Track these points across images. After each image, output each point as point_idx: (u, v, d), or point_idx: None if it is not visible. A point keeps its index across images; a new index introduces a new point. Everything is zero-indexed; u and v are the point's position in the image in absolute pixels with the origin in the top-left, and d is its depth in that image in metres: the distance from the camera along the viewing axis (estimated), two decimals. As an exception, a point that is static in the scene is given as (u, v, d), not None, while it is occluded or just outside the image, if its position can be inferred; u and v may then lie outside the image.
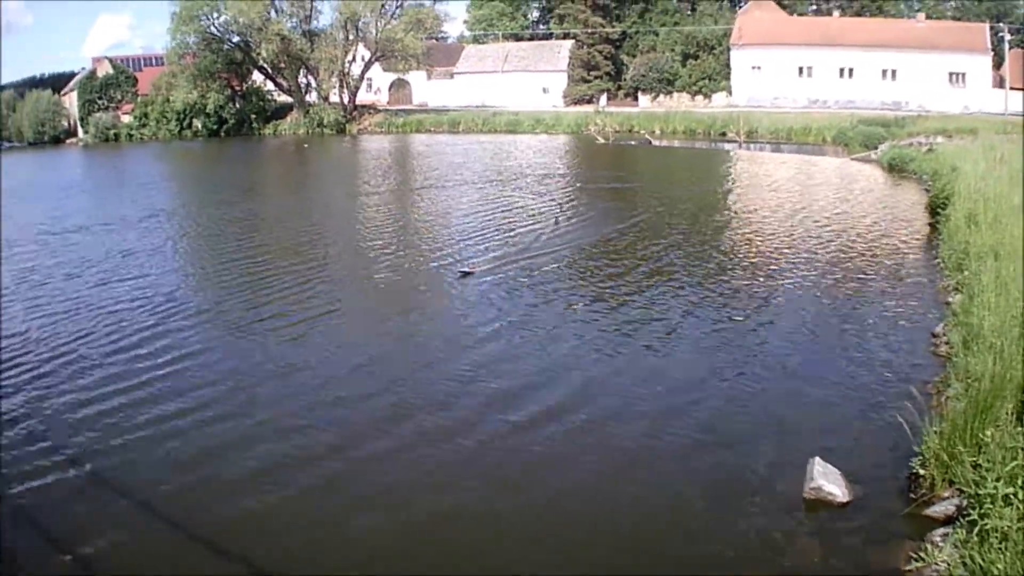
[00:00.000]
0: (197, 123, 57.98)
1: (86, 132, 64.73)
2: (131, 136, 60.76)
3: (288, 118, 58.35)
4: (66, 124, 69.46)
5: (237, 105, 58.86)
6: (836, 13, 54.93)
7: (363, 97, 60.30)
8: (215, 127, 57.57)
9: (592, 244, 15.51)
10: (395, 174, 31.83)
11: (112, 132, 61.70)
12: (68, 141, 67.44)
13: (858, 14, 53.55)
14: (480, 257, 14.72)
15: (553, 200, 21.47)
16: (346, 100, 56.71)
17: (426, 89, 64.78)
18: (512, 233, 16.82)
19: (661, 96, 55.73)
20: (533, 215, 19.02)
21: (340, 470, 6.85)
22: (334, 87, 56.61)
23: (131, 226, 20.33)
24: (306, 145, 47.71)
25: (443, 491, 6.45)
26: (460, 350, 9.69)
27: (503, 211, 19.89)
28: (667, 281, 12.32)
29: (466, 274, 13.04)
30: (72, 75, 79.63)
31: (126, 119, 62.84)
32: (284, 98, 59.97)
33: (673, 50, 56.85)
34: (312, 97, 58.09)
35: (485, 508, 6.24)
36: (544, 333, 10.15)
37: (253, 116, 58.66)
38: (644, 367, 9.06)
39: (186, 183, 34.52)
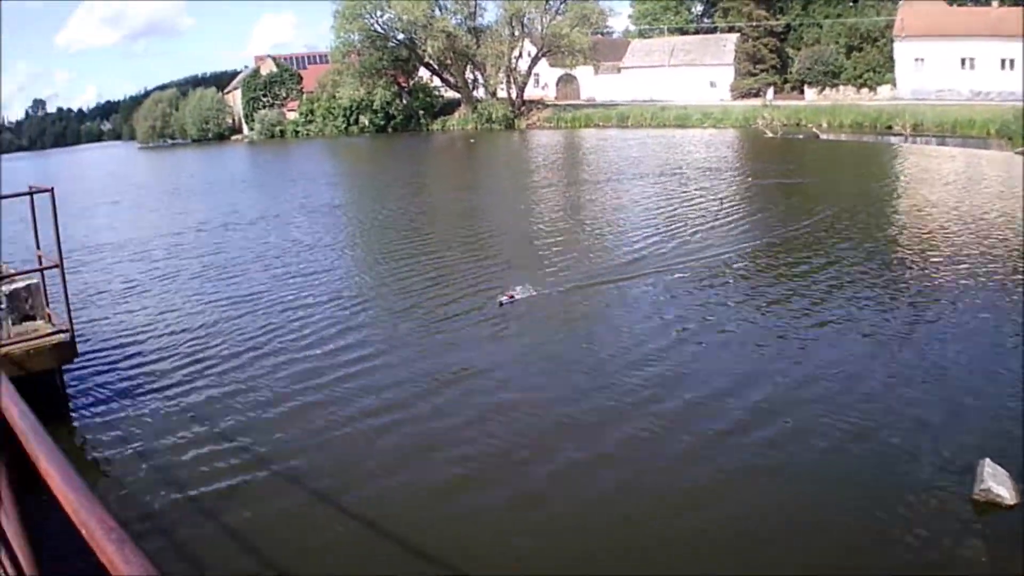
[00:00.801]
0: (364, 119, 62.68)
1: (251, 129, 71.00)
2: (296, 132, 66.30)
3: (456, 114, 62.13)
4: (230, 121, 75.88)
5: (404, 101, 63.25)
6: (995, 3, 56.77)
7: (531, 92, 63.25)
8: (382, 123, 62.22)
9: (773, 242, 15.62)
10: (569, 168, 33.35)
11: (277, 128, 67.85)
12: (233, 138, 74.14)
13: (1016, 3, 55.21)
14: (669, 252, 14.83)
15: (730, 195, 21.89)
16: (514, 95, 59.81)
17: (593, 84, 67.87)
18: (695, 228, 16.99)
19: (827, 89, 57.18)
20: (713, 210, 19.30)
21: (538, 478, 6.79)
22: (501, 83, 60.07)
23: (305, 219, 21.87)
24: (472, 140, 50.99)
25: (658, 504, 6.43)
26: (648, 352, 9.59)
27: (685, 205, 20.32)
28: (847, 289, 12.03)
29: (504, 303, 11.74)
30: (235, 74, 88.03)
31: (291, 116, 68.47)
32: (451, 94, 63.64)
33: (837, 42, 58.17)
34: (480, 93, 61.64)
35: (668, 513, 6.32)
36: (726, 337, 10.06)
37: (421, 112, 62.89)
38: (810, 363, 9.16)
39: (356, 178, 36.86)
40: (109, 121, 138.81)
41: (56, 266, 7.98)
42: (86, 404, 8.93)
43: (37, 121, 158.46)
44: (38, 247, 8.51)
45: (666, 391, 8.50)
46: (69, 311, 8.17)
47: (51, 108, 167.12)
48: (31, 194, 8.02)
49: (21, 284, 8.50)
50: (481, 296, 12.34)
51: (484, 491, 6.71)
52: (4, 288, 8.33)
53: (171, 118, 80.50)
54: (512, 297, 11.91)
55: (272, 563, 5.81)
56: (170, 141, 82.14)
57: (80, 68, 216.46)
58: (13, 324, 8.15)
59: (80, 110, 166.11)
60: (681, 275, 13.24)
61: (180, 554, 5.96)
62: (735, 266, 13.95)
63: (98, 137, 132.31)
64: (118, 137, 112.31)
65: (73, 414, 8.63)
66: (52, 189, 7.84)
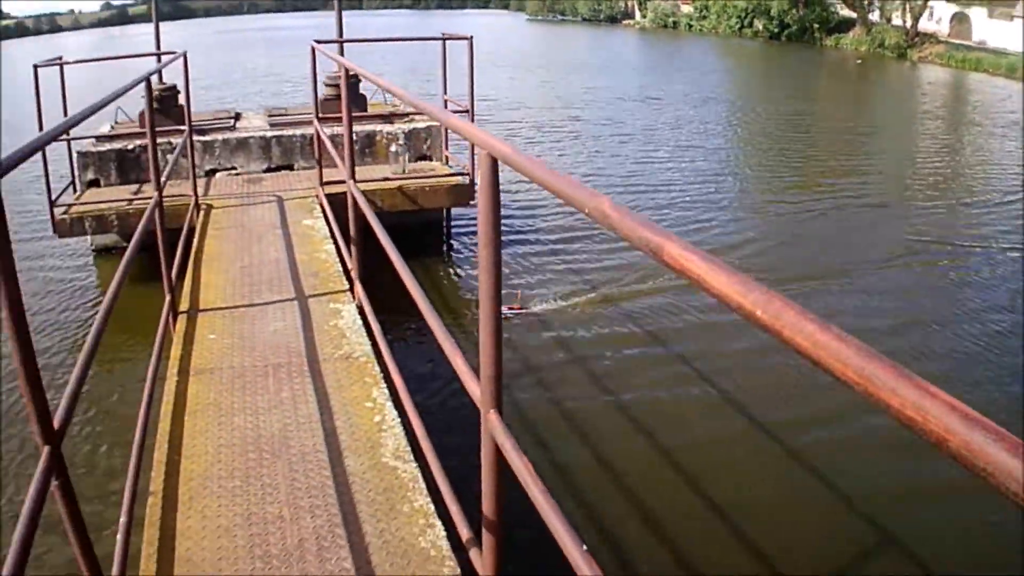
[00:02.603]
0: (758, 23, 60.85)
1: (643, 16, 70.81)
2: (690, 26, 65.36)
3: (851, 33, 58.05)
4: (623, 6, 77.91)
5: (800, 12, 60.15)
6: None
7: (924, 25, 60.87)
8: (776, 31, 59.94)
9: None
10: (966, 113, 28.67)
11: (671, 20, 67.12)
12: (624, 22, 74.19)
13: None
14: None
15: None
16: (908, 25, 54.99)
17: (986, 27, 61.76)
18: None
19: None
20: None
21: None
22: (897, 9, 55.70)
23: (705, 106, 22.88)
24: (859, 61, 49.00)
25: None
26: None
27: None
28: None
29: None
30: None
31: (686, 9, 67.19)
32: (847, 12, 59.81)
33: None
34: (875, 16, 57.42)
35: None
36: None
37: (815, 25, 59.63)
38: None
39: (750, 79, 36.88)
40: None
41: (466, 111, 8.22)
42: (465, 245, 9.79)
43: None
44: (445, 91, 9.00)
45: None
46: (473, 156, 8.34)
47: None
48: (444, 40, 8.61)
49: (421, 124, 9.21)
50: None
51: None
52: (404, 126, 9.16)
53: None
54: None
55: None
56: (559, 17, 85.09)
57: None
58: (409, 161, 8.95)
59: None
60: None
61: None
62: None
63: (485, 4, 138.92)
64: (505, 6, 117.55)
65: (453, 255, 9.50)
66: (471, 38, 8.21)
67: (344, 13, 9.34)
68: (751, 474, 5.47)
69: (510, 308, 7.86)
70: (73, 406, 2.16)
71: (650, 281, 8.59)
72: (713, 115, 21.49)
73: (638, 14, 73.64)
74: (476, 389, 2.06)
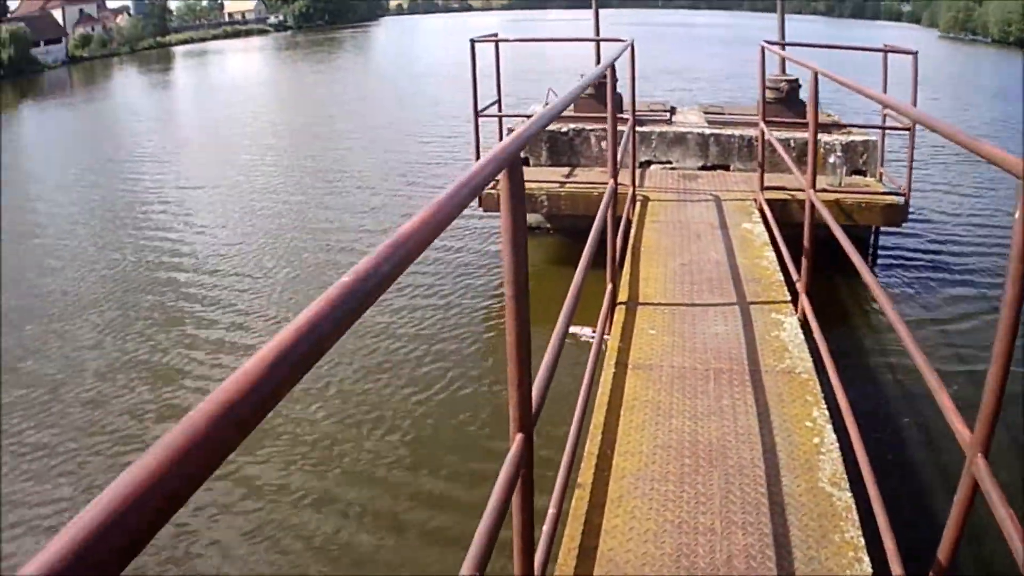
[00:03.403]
0: None
1: None
2: None
3: None
4: None
5: None
6: None
7: None
8: None
9: None
10: None
11: None
12: None
13: None
14: None
15: None
16: None
17: None
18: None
19: None
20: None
21: None
22: None
23: None
24: None
25: None
26: None
27: None
28: None
29: None
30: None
31: None
32: None
33: None
34: None
35: None
36: None
37: None
38: None
39: None
40: (909, 3, 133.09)
41: (908, 129, 7.91)
42: (889, 267, 9.16)
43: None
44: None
45: None
46: (910, 174, 8.10)
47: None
48: (885, 52, 8.43)
49: (859, 138, 8.82)
50: None
51: None
52: (842, 138, 8.79)
53: (975, 12, 73.59)
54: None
55: None
56: (970, 36, 75.58)
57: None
58: (846, 175, 8.54)
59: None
60: None
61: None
62: None
63: (896, 17, 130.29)
64: (916, 21, 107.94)
65: (880, 278, 8.84)
66: (915, 53, 7.88)
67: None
68: None
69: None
70: (545, 395, 2.24)
71: None
72: None
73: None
74: (964, 431, 1.98)
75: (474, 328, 7.54)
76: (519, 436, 1.91)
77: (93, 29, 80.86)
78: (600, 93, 8.88)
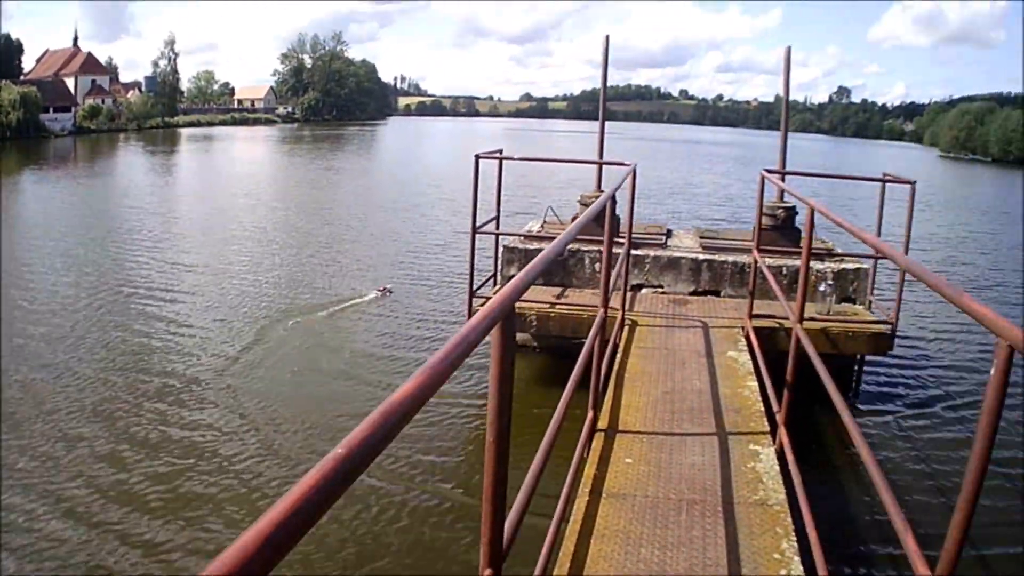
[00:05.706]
0: None
1: None
2: None
3: None
4: None
5: None
6: None
7: None
8: None
9: None
10: None
11: None
12: None
13: None
14: None
15: None
16: None
17: None
18: None
19: None
20: None
21: None
22: None
23: None
24: None
25: None
26: None
27: None
28: None
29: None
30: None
31: None
32: None
33: None
34: None
35: None
36: None
37: None
38: None
39: None
40: (911, 122, 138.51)
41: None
42: (871, 397, 9.35)
43: (840, 108, 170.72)
44: (879, 233, 8.75)
45: None
46: (899, 305, 8.34)
47: (855, 98, 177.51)
48: (884, 182, 8.85)
49: (851, 266, 9.13)
50: None
51: None
52: (834, 266, 9.10)
53: (976, 132, 76.75)
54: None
55: None
56: (970, 155, 78.50)
57: (889, 64, 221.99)
58: (834, 303, 8.76)
59: (884, 105, 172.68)
60: None
61: None
62: None
63: (899, 136, 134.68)
64: (918, 140, 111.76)
65: (860, 406, 9.05)
66: (913, 183, 8.21)
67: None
68: None
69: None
70: (516, 532, 2.35)
71: None
72: None
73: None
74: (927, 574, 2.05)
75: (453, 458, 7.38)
76: (487, 572, 2.01)
77: (103, 101, 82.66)
78: (598, 215, 9.11)
